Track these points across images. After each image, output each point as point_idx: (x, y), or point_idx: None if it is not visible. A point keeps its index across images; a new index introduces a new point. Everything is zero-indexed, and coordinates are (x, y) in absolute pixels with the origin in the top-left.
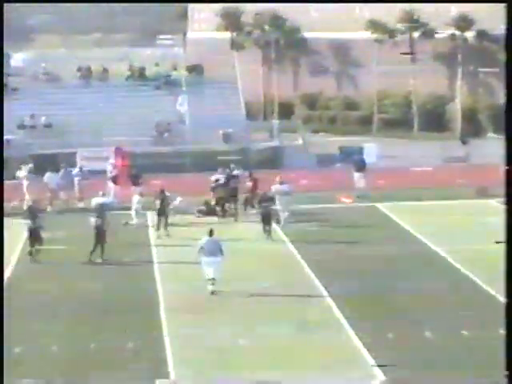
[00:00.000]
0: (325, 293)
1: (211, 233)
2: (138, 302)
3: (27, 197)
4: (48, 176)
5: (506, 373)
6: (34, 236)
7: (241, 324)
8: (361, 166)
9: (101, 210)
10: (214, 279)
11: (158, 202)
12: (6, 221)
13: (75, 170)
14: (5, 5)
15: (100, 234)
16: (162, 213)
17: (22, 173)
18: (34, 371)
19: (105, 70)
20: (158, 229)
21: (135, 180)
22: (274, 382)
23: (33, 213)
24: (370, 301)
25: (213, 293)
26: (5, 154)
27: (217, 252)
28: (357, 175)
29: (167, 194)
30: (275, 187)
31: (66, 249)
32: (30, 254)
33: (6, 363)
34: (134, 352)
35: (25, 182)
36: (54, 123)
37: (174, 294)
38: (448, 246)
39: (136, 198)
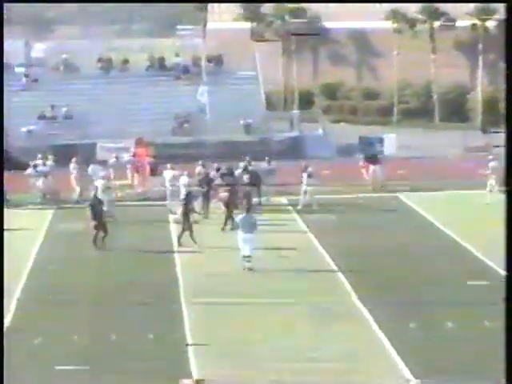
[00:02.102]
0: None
1: (248, 209)
2: None
3: (77, 188)
4: (92, 168)
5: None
6: (100, 224)
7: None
8: (374, 160)
9: (189, 197)
10: (250, 256)
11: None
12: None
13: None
14: None
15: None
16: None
17: (72, 165)
18: None
19: (125, 61)
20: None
21: (155, 170)
22: None
23: (99, 201)
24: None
25: (250, 269)
26: (26, 144)
27: (252, 228)
28: (372, 168)
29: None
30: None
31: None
32: (95, 241)
33: None
34: None
35: (73, 173)
36: (75, 114)
37: None
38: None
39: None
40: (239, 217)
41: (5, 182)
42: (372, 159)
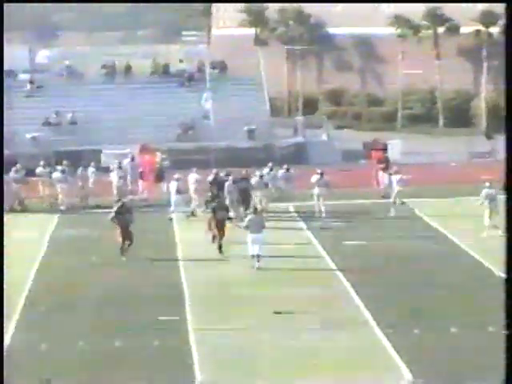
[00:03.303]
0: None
1: (256, 210)
2: None
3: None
4: (113, 174)
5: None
6: (126, 232)
7: None
8: (386, 166)
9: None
10: (259, 256)
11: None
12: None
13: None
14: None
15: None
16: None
17: (90, 169)
18: None
19: (127, 67)
20: None
21: (160, 176)
22: None
23: (126, 209)
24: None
25: (258, 268)
26: (30, 151)
27: (261, 228)
28: (381, 174)
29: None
30: (315, 178)
31: None
32: (122, 250)
33: None
34: None
35: (91, 179)
36: (79, 120)
37: None
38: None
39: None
40: (248, 217)
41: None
42: (385, 164)
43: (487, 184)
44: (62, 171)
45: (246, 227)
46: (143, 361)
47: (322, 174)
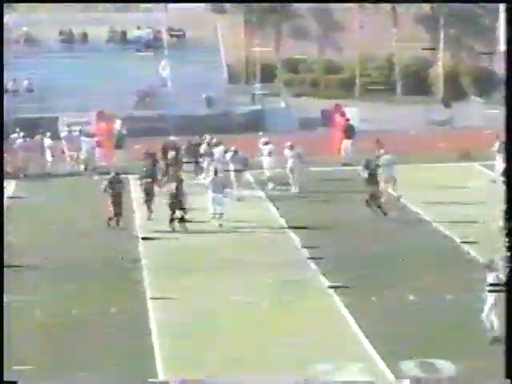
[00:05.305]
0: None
1: (216, 172)
2: None
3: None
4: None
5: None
6: (117, 204)
7: None
8: (351, 134)
9: None
10: (221, 214)
11: None
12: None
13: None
14: None
15: None
16: None
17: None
18: None
19: (84, 34)
20: None
21: (120, 143)
22: None
23: (117, 180)
24: None
25: (220, 225)
26: None
27: (221, 189)
28: (345, 142)
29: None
30: (287, 152)
31: None
32: (109, 220)
33: None
34: None
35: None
36: (36, 88)
37: None
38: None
39: None
40: (208, 179)
41: None
42: (350, 133)
43: (382, 151)
44: (23, 138)
45: (207, 187)
46: None
47: (292, 147)
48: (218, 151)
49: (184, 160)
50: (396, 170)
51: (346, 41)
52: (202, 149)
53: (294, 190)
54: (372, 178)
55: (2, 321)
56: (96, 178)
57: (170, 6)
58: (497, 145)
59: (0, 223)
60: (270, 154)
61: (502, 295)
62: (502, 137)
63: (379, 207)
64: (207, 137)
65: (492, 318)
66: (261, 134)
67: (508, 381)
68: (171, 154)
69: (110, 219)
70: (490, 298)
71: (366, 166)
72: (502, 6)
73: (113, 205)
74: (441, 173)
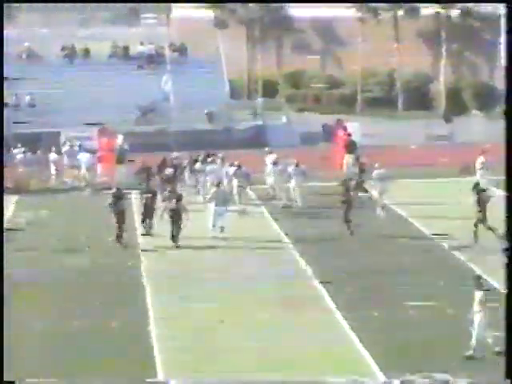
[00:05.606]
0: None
1: (219, 184)
2: None
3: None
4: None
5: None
6: (121, 218)
7: None
8: (352, 148)
9: None
10: (223, 227)
11: None
12: None
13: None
14: None
15: None
16: None
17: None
18: None
19: (86, 50)
20: None
21: (121, 158)
22: None
23: (120, 195)
24: None
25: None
26: None
27: (224, 202)
28: (347, 157)
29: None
30: (291, 169)
31: None
32: (117, 237)
33: None
34: None
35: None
36: (38, 103)
37: None
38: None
39: None
40: (212, 190)
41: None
42: (351, 148)
43: (376, 165)
44: (24, 153)
45: (210, 200)
46: None
47: (297, 164)
48: (218, 166)
49: (186, 175)
50: (389, 183)
51: (347, 55)
52: (198, 165)
53: (296, 204)
54: (347, 196)
55: (2, 321)
56: (95, 193)
57: (173, 21)
58: (479, 160)
59: (0, 230)
60: (275, 164)
61: (492, 311)
62: (487, 153)
63: (348, 222)
64: (203, 153)
65: (485, 335)
66: (267, 149)
67: (508, 381)
68: (169, 170)
69: (118, 236)
70: (481, 317)
71: (343, 184)
72: (502, 7)
73: (117, 220)
74: (441, 187)
